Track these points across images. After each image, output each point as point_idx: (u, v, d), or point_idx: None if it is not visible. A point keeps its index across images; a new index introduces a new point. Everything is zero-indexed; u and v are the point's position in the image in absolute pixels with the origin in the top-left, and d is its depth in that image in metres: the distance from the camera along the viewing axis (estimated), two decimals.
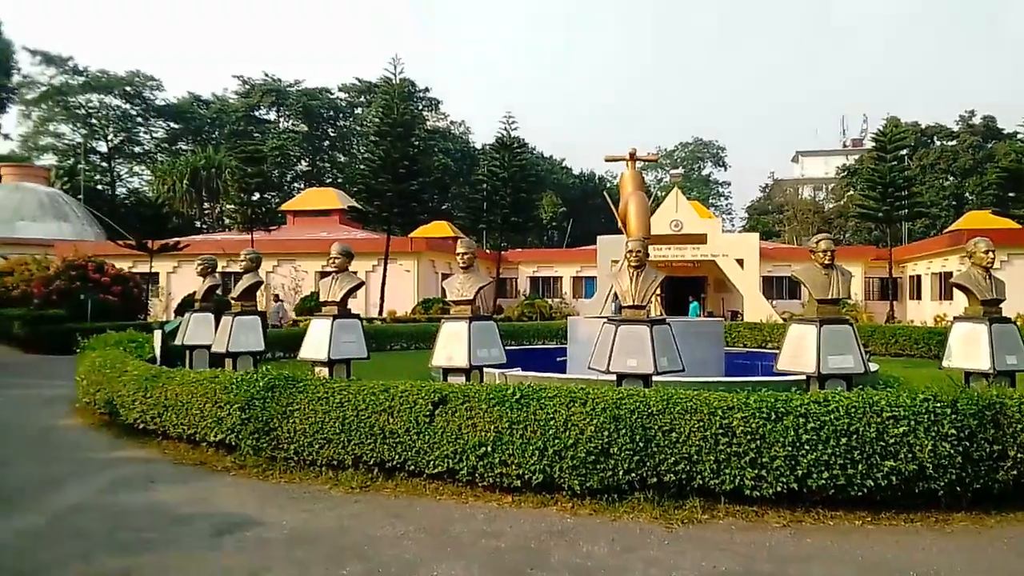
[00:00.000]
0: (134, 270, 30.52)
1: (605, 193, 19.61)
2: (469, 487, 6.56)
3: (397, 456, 6.81)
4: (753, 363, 15.35)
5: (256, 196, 35.14)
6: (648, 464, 6.08)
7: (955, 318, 8.50)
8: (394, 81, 37.46)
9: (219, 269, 12.19)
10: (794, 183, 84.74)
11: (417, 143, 39.50)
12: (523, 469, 6.30)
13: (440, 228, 44.44)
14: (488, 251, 44.30)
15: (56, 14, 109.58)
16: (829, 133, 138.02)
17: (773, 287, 39.53)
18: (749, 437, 5.92)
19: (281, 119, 71.84)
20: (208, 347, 10.72)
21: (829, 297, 8.02)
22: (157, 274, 34.62)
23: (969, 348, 7.94)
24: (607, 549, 5.23)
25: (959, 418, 5.88)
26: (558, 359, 14.13)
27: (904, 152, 44.45)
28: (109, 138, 64.39)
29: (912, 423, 5.85)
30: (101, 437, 9.38)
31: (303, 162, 71.38)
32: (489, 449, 6.41)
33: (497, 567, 4.93)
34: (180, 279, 35.41)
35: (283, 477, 7.16)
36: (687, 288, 37.65)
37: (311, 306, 28.16)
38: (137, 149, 67.33)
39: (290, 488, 6.86)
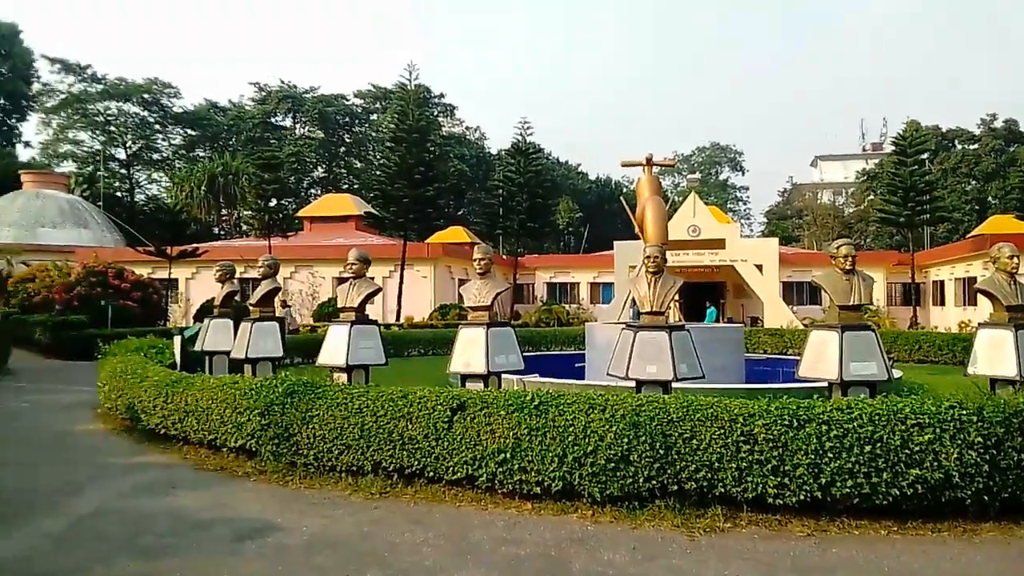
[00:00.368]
0: (153, 276, 30.79)
1: (622, 198, 19.57)
2: (488, 494, 6.54)
3: (416, 462, 6.80)
4: (774, 370, 15.24)
5: (273, 202, 35.42)
6: (669, 471, 6.02)
7: (980, 324, 8.38)
8: (409, 87, 37.60)
9: (237, 275, 12.26)
10: (813, 187, 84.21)
11: (433, 149, 39.65)
12: (542, 476, 6.27)
13: (456, 234, 44.53)
14: (505, 257, 44.30)
15: (74, 23, 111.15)
16: (848, 137, 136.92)
17: (793, 292, 39.24)
18: (771, 444, 5.85)
19: (297, 125, 72.33)
20: (227, 353, 10.76)
21: (851, 303, 7.92)
22: (176, 280, 34.89)
23: (995, 354, 7.81)
24: (628, 557, 5.19)
25: (985, 426, 5.78)
26: (576, 365, 14.10)
27: (925, 156, 43.99)
28: (128, 145, 65.10)
29: (937, 431, 5.76)
30: (122, 442, 9.45)
31: (319, 168, 71.81)
32: (508, 456, 6.38)
33: (517, 574, 4.89)
34: (199, 285, 35.67)
35: (303, 483, 7.17)
36: (705, 294, 37.45)
37: (328, 312, 28.27)
38: (155, 156, 68.02)
39: (310, 494, 6.87)
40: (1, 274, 25.77)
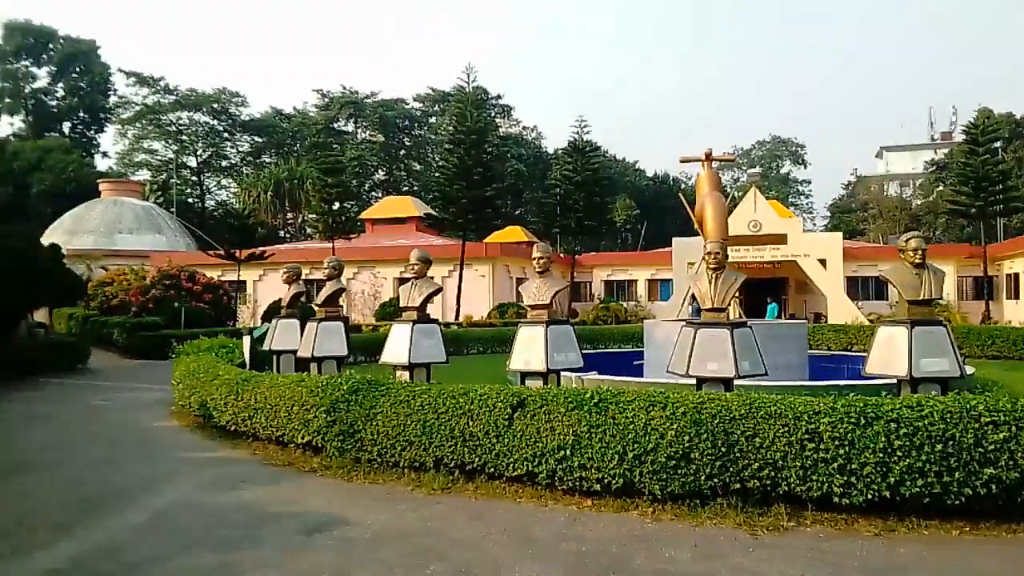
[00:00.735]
0: (223, 278, 31.83)
1: (680, 194, 19.36)
2: (548, 490, 6.59)
3: (477, 459, 6.90)
4: (838, 366, 14.89)
5: (336, 205, 36.14)
6: (731, 469, 5.97)
7: None
8: (467, 89, 37.95)
9: (302, 277, 12.60)
10: (879, 179, 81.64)
11: (490, 150, 39.86)
12: (602, 473, 6.29)
13: (514, 233, 44.68)
14: (562, 255, 44.23)
15: (148, 37, 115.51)
16: (916, 127, 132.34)
17: (858, 288, 38.13)
18: (837, 443, 5.75)
19: (359, 130, 73.69)
20: (294, 352, 11.08)
21: (921, 298, 7.70)
22: (244, 282, 35.95)
23: None
24: (690, 555, 5.17)
25: None
26: (635, 363, 14.03)
27: (998, 144, 42.17)
28: (198, 153, 67.47)
29: (1014, 428, 5.57)
30: (196, 438, 9.83)
31: (380, 171, 73.02)
32: (568, 452, 6.42)
33: (578, 570, 4.94)
34: (266, 286, 36.68)
35: (367, 478, 7.35)
36: (766, 290, 36.69)
37: (390, 312, 28.75)
38: (224, 163, 70.33)
39: (374, 489, 7.04)
40: (81, 278, 27.00)
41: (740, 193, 48.49)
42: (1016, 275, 35.72)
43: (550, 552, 5.27)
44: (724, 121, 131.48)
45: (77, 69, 62.32)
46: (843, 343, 22.94)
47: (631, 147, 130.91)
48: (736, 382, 7.65)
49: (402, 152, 74.01)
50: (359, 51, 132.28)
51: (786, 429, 5.89)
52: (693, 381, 7.76)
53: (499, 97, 72.31)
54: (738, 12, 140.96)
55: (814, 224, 78.56)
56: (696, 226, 14.55)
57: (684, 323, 8.54)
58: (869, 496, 5.63)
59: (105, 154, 68.08)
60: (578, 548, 5.33)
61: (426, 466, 7.20)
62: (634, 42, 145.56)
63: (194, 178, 68.05)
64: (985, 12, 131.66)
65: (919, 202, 67.06)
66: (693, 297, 8.82)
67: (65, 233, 40.96)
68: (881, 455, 5.63)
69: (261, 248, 31.52)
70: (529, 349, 8.70)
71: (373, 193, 69.92)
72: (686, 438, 6.07)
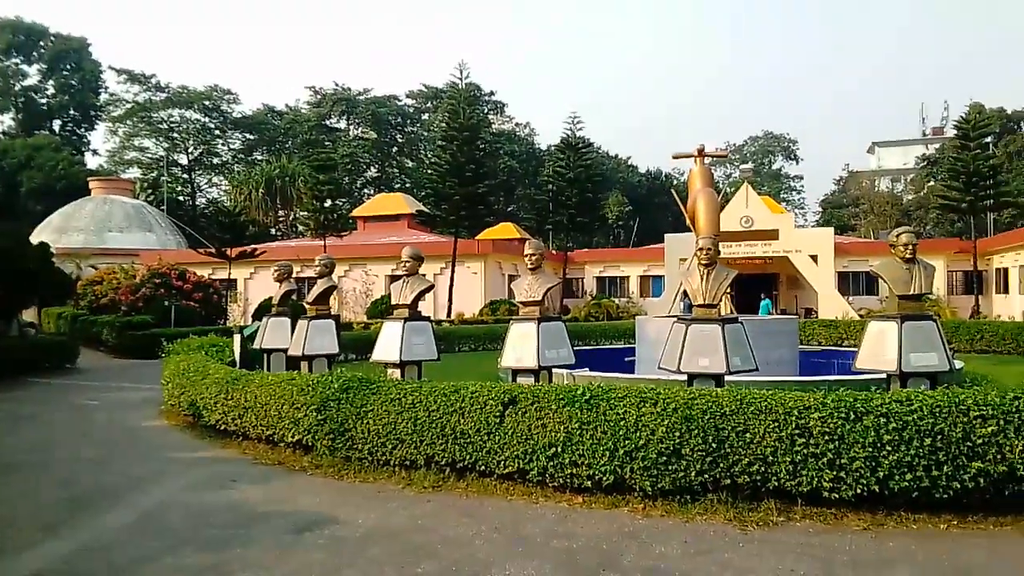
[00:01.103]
0: (214, 277, 31.71)
1: (672, 190, 19.39)
2: (539, 487, 6.59)
3: (468, 456, 6.88)
4: (829, 361, 14.92)
5: (328, 203, 36.04)
6: (721, 465, 5.98)
7: None
8: (460, 86, 37.87)
9: (294, 274, 12.56)
10: (870, 175, 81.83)
11: (483, 146, 39.82)
12: (593, 470, 6.28)
13: (506, 230, 44.65)
14: (554, 252, 44.25)
15: (139, 34, 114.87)
16: (907, 122, 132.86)
17: (849, 283, 38.26)
18: (827, 438, 5.76)
19: (351, 127, 73.50)
20: (285, 350, 11.05)
21: (911, 293, 7.73)
22: (235, 280, 35.83)
23: None
24: (680, 551, 5.17)
25: None
26: (626, 359, 14.02)
27: (989, 139, 42.35)
28: (189, 151, 67.18)
29: (1001, 423, 5.59)
30: (185, 438, 9.79)
31: (372, 168, 72.85)
32: (559, 450, 6.42)
33: (568, 567, 4.93)
34: (257, 284, 36.55)
35: (358, 477, 7.33)
36: (758, 286, 36.78)
37: (382, 309, 28.69)
38: (215, 160, 70.04)
39: (364, 488, 7.02)
40: (71, 277, 26.85)
41: (732, 189, 48.62)
42: (1005, 270, 35.92)
43: (541, 549, 5.26)
44: (717, 117, 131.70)
45: (68, 67, 62.03)
46: (834, 338, 23.01)
47: (624, 143, 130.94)
48: (727, 378, 7.66)
49: (394, 149, 73.88)
50: (352, 48, 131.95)
51: (776, 424, 5.90)
52: (684, 377, 7.76)
53: (492, 94, 72.30)
54: (732, 9, 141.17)
55: (806, 220, 78.75)
56: (688, 222, 14.55)
57: (675, 319, 8.54)
58: (858, 490, 5.64)
59: (95, 152, 67.93)
60: (569, 545, 5.33)
61: (417, 464, 7.19)
62: (628, 39, 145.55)
63: (185, 176, 67.80)
64: (977, 7, 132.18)
65: (910, 197, 67.29)
66: (685, 293, 8.84)
67: (54, 232, 40.77)
68: (870, 450, 5.65)
69: (252, 246, 31.47)
70: (521, 346, 8.69)
71: (365, 190, 69.76)
72: (677, 434, 6.07)
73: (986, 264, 37.66)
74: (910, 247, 7.78)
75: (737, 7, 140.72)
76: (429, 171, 41.82)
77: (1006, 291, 35.77)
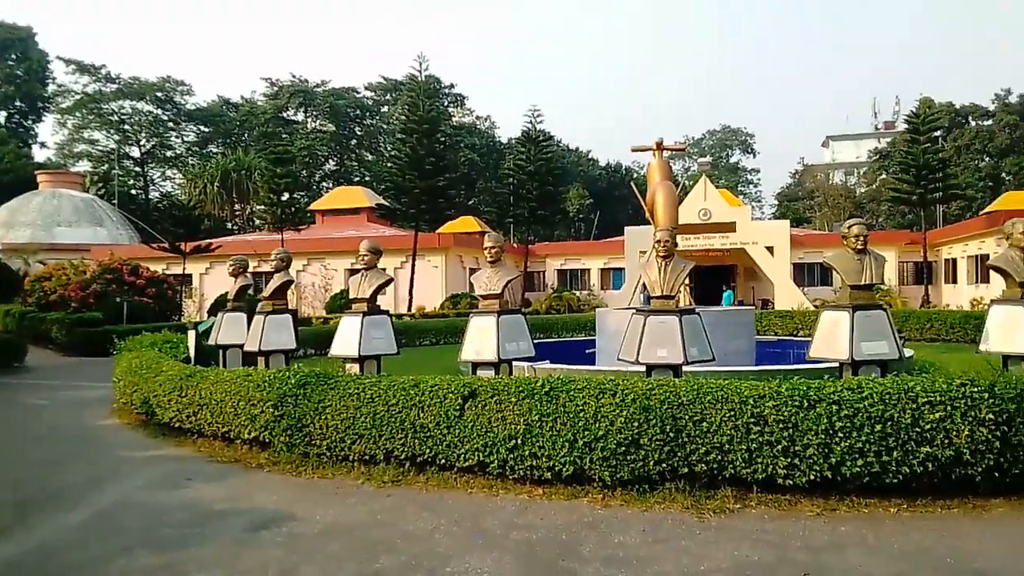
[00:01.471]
0: (168, 272, 31.06)
1: (632, 183, 19.50)
2: (500, 480, 6.59)
3: (428, 450, 6.85)
4: (785, 351, 15.18)
5: (285, 196, 35.52)
6: (679, 454, 6.04)
7: (992, 301, 8.32)
8: (419, 78, 37.58)
9: (250, 269, 12.36)
10: (825, 168, 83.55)
11: (443, 139, 39.65)
12: (553, 461, 6.30)
13: (467, 223, 44.57)
14: (515, 245, 44.29)
15: (88, 24, 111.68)
16: (860, 116, 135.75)
17: (804, 274, 39.03)
18: (781, 426, 5.86)
19: (309, 119, 72.48)
20: (241, 346, 10.87)
21: (862, 283, 7.90)
22: (190, 275, 35.18)
23: (1007, 331, 7.75)
24: (639, 540, 5.22)
25: (997, 403, 5.75)
26: (587, 351, 14.10)
27: (938, 133, 43.48)
28: (142, 143, 65.59)
29: (949, 408, 5.74)
30: (138, 436, 9.57)
31: (331, 161, 72.01)
32: (519, 442, 6.42)
33: (529, 559, 4.94)
34: (212, 280, 35.94)
35: (316, 473, 7.25)
36: (717, 277, 37.30)
37: (341, 304, 28.41)
38: (169, 153, 68.49)
39: (323, 483, 6.95)
40: (18, 273, 26.06)
41: (691, 182, 49.16)
42: (954, 260, 36.98)
43: (500, 541, 5.27)
44: (676, 110, 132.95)
45: (13, 56, 60.04)
46: (789, 328, 23.44)
47: (585, 137, 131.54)
48: (685, 368, 7.74)
49: (353, 142, 73.07)
50: (309, 39, 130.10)
51: (732, 413, 5.98)
52: (643, 368, 7.83)
53: (452, 86, 71.93)
54: (690, 4, 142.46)
55: (762, 212, 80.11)
56: (647, 215, 14.66)
57: (634, 311, 8.60)
58: (812, 477, 5.76)
59: (43, 144, 65.95)
60: (528, 536, 5.34)
61: (376, 459, 7.13)
62: (586, 34, 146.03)
63: (137, 169, 66.19)
64: (927, 5, 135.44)
65: (863, 190, 68.90)
66: (644, 286, 8.89)
67: (1, 227, 39.52)
68: (823, 437, 5.76)
69: (207, 240, 30.86)
70: (480, 339, 8.67)
71: (324, 184, 68.95)
72: (635, 424, 6.12)
73: (935, 255, 38.73)
74: (861, 238, 7.94)
75: (696, 3, 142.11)
76: (389, 164, 41.55)
77: (954, 281, 36.84)
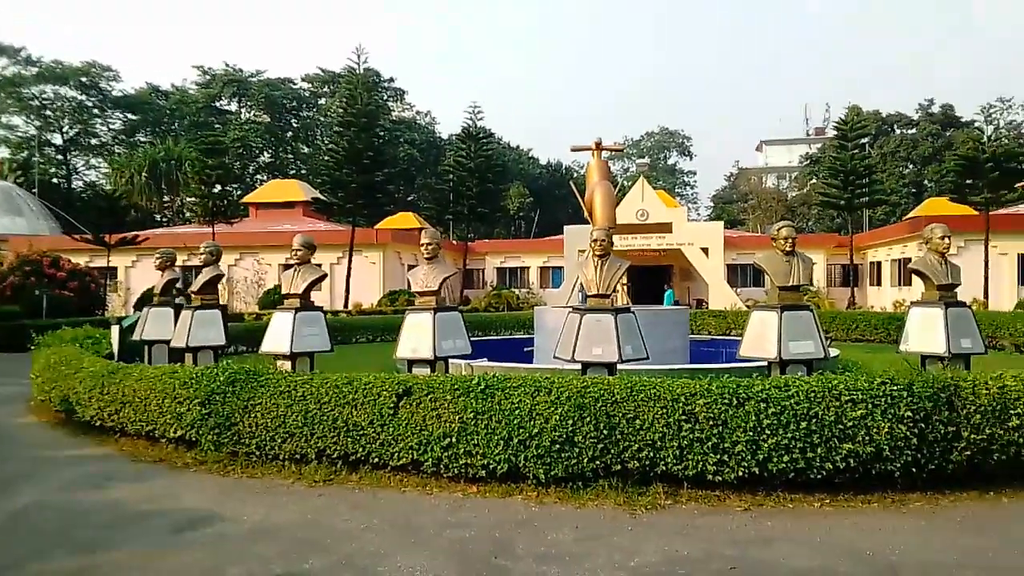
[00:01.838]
0: (91, 265, 29.84)
1: (571, 183, 19.64)
2: (434, 478, 6.53)
3: (361, 449, 6.75)
4: (718, 350, 15.53)
5: (217, 188, 34.53)
6: (612, 451, 6.10)
7: (912, 303, 8.67)
8: (358, 71, 37.08)
9: (179, 263, 11.97)
10: (758, 172, 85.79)
11: (382, 133, 39.27)
12: (488, 459, 6.28)
13: (406, 219, 44.19)
14: (455, 242, 44.15)
15: (5, 3, 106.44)
16: (794, 122, 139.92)
17: (738, 275, 40.00)
18: (712, 423, 5.97)
19: (243, 110, 70.66)
20: (167, 342, 10.52)
21: (790, 284, 8.11)
22: (115, 269, 33.92)
23: (925, 332, 8.10)
24: (571, 536, 5.25)
25: (915, 401, 5.99)
26: (525, 349, 14.14)
27: (865, 140, 45.25)
28: (64, 130, 62.79)
29: (870, 406, 5.95)
30: (57, 435, 9.17)
31: (266, 153, 70.32)
32: (454, 440, 6.38)
33: (461, 557, 4.91)
34: (139, 273, 34.72)
35: (245, 472, 7.06)
36: (654, 277, 37.89)
37: (275, 300, 27.80)
38: (94, 141, 65.74)
39: (252, 483, 6.77)
40: None
41: (629, 183, 49.81)
42: (879, 263, 38.43)
43: (433, 540, 5.22)
44: (616, 111, 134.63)
45: None
46: (723, 328, 23.97)
47: (525, 136, 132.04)
48: (619, 366, 7.81)
49: (289, 134, 71.56)
50: (244, 29, 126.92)
51: (665, 411, 6.06)
52: (579, 366, 7.88)
53: (392, 80, 71.18)
54: (632, 8, 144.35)
55: (698, 214, 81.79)
56: (586, 214, 14.79)
57: (571, 309, 8.65)
58: (740, 473, 5.89)
59: None
60: (461, 535, 5.31)
61: (308, 458, 6.99)
62: (530, 33, 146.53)
63: (59, 157, 63.35)
64: (857, 19, 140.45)
65: (794, 194, 71.02)
66: (582, 284, 8.94)
67: None
68: (751, 434, 5.90)
69: (134, 233, 29.81)
70: (416, 336, 8.59)
71: (258, 176, 67.32)
72: (570, 422, 6.15)
73: (861, 258, 40.19)
74: (790, 240, 8.16)
75: (638, 7, 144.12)
76: (326, 158, 40.75)
77: (879, 284, 38.29)
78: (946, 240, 8.40)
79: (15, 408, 11.14)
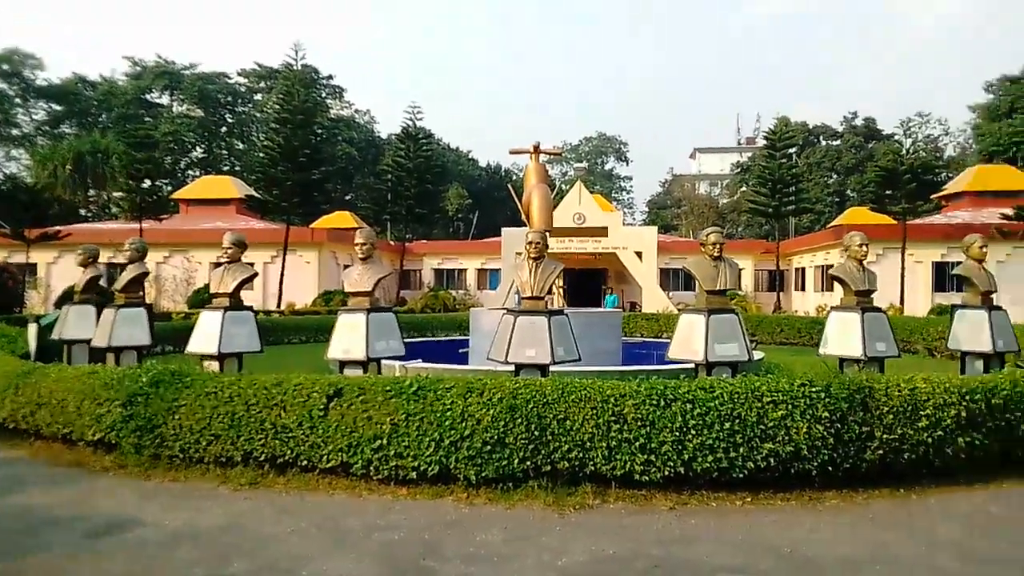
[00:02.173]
0: (10, 260, 28.55)
1: (509, 185, 19.72)
2: (364, 481, 6.48)
3: (289, 451, 6.64)
4: (649, 352, 15.81)
5: (146, 183, 33.42)
6: (543, 452, 6.15)
7: (831, 308, 9.02)
8: (295, 67, 36.45)
9: (105, 260, 11.55)
10: (692, 179, 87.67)
11: (319, 131, 38.63)
12: (419, 461, 6.26)
13: (343, 219, 43.61)
14: (392, 242, 43.80)
15: None
16: (727, 131, 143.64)
17: (670, 279, 40.80)
18: (640, 423, 6.09)
19: (175, 103, 68.55)
20: (88, 341, 10.13)
21: (717, 288, 8.33)
22: (35, 265, 32.52)
23: (843, 336, 8.44)
24: (501, 537, 5.28)
25: (832, 401, 6.23)
26: (461, 351, 14.13)
27: (793, 150, 46.64)
28: None
29: (790, 407, 6.16)
30: None
31: (198, 148, 68.35)
32: (385, 442, 6.34)
33: (389, 559, 4.89)
34: (61, 270, 33.38)
35: (167, 476, 6.86)
36: (590, 280, 38.35)
37: (205, 299, 27.06)
38: (15, 132, 62.73)
39: (175, 487, 6.59)
40: None
41: (567, 186, 50.26)
42: (803, 269, 39.76)
43: (361, 543, 5.18)
44: (555, 115, 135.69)
45: None
46: (655, 330, 24.40)
47: (465, 137, 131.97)
48: (552, 368, 7.89)
49: (223, 129, 69.71)
50: (178, 20, 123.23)
51: (595, 412, 6.16)
52: (512, 367, 7.92)
53: (330, 77, 70.10)
54: (572, 12, 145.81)
55: (634, 219, 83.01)
56: (523, 217, 14.86)
57: (506, 311, 8.69)
58: (666, 472, 6.02)
59: None
60: (391, 537, 5.28)
61: (234, 461, 6.83)
62: (472, 35, 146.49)
63: None
64: (789, 29, 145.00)
65: (725, 201, 72.88)
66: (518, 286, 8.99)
67: None
68: (678, 434, 6.04)
69: (56, 228, 28.62)
70: (349, 337, 8.50)
71: (190, 172, 65.38)
72: (502, 423, 6.18)
73: (788, 264, 41.50)
74: (718, 246, 8.38)
75: (579, 12, 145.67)
76: (261, 154, 39.93)
77: (804, 289, 39.61)
78: (864, 248, 8.77)
79: None
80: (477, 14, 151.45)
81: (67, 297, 20.45)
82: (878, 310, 8.66)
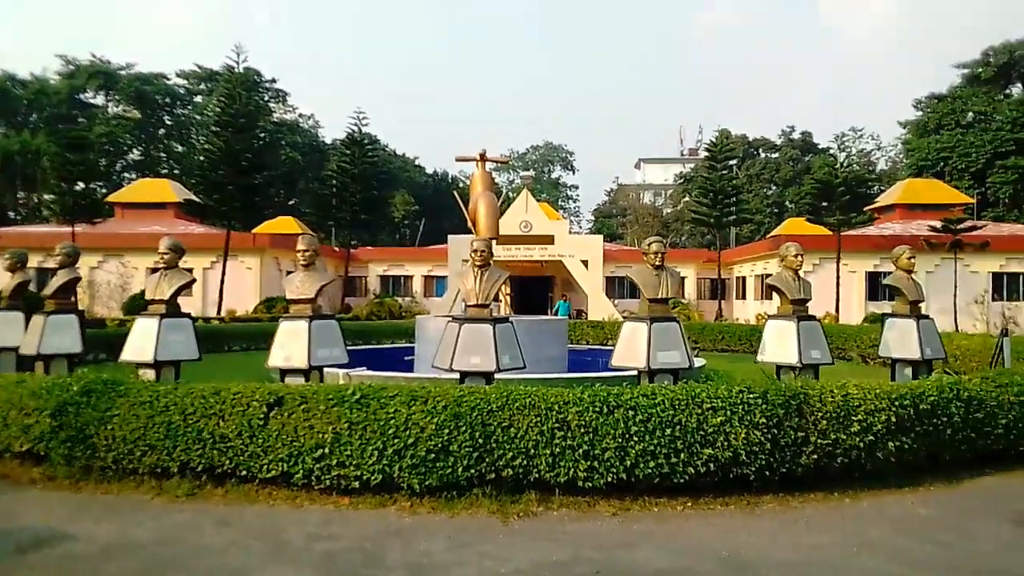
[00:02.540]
0: None
1: (455, 193, 19.70)
2: (305, 491, 6.37)
3: (228, 461, 6.49)
4: (595, 359, 15.95)
5: (80, 186, 32.33)
6: (487, 460, 6.15)
7: (768, 316, 9.26)
8: (237, 69, 35.71)
9: (35, 264, 11.14)
10: (637, 188, 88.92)
11: (262, 135, 38.00)
12: (361, 470, 6.20)
13: (286, 224, 42.85)
14: (337, 248, 43.26)
15: None
16: (670, 142, 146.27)
17: (615, 287, 41.26)
18: (583, 430, 6.15)
19: (110, 104, 66.49)
20: (16, 349, 9.75)
21: (659, 296, 8.48)
22: None
23: (780, 343, 8.67)
24: (444, 545, 5.26)
25: (769, 408, 6.40)
26: (406, 358, 14.03)
27: (733, 162, 47.84)
28: None
29: (728, 413, 6.30)
30: None
31: (135, 151, 66.35)
32: (327, 451, 6.25)
33: (330, 570, 4.83)
34: None
35: (99, 488, 6.64)
36: (537, 288, 38.52)
37: (141, 305, 26.29)
38: None
39: (107, 499, 6.38)
40: None
41: (514, 194, 50.45)
42: (744, 278, 40.69)
43: (301, 554, 5.10)
44: (502, 123, 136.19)
45: None
46: (600, 338, 24.66)
47: (412, 143, 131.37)
48: (497, 375, 7.91)
49: (161, 131, 67.86)
50: (113, 17, 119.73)
51: (539, 419, 6.19)
52: (457, 375, 7.91)
53: (274, 81, 68.95)
54: (520, 21, 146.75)
55: (580, 227, 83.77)
56: (469, 224, 14.87)
57: (451, 318, 8.68)
58: (609, 479, 6.09)
59: None
60: (331, 547, 5.21)
61: (170, 472, 6.64)
62: (419, 42, 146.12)
63: None
64: (733, 43, 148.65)
65: (669, 210, 74.13)
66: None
67: None
68: (620, 440, 6.11)
69: None
70: (291, 345, 8.38)
71: (126, 174, 63.41)
72: (446, 431, 6.16)
73: (729, 273, 42.43)
74: (659, 255, 8.54)
75: (527, 22, 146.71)
76: (200, 158, 39.02)
77: (744, 297, 40.53)
78: (799, 258, 9.04)
79: None
80: (425, 19, 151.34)
81: None
82: (812, 318, 8.92)
